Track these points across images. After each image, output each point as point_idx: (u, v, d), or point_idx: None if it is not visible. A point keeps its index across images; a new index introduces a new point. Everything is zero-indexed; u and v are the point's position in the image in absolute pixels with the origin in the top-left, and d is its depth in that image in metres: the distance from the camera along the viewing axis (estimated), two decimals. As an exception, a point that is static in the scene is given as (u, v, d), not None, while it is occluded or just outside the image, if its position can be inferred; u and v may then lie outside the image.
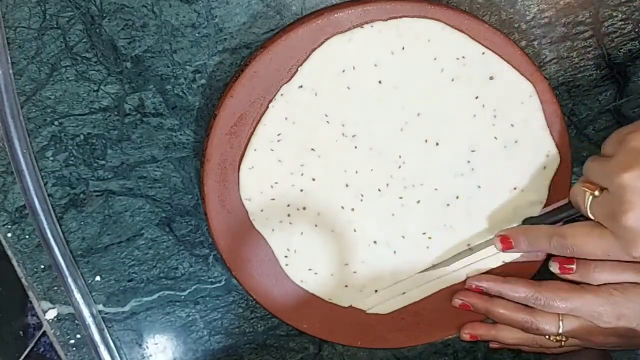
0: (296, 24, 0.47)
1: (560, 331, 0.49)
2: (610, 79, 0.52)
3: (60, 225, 0.52)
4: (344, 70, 0.47)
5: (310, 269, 0.52)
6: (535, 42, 0.50)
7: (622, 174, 0.40)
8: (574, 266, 0.48)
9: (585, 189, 0.43)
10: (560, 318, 0.49)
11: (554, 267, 0.48)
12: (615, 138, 0.43)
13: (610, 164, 0.41)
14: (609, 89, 0.52)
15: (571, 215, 0.47)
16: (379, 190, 0.50)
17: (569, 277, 0.48)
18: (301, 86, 0.47)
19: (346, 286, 0.53)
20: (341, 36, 0.46)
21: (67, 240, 0.52)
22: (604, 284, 0.47)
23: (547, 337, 0.50)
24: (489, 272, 0.52)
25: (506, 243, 0.49)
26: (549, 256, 0.52)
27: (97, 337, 0.53)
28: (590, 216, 0.43)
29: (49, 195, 0.51)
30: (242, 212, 0.50)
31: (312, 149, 0.49)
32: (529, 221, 0.50)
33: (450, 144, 0.49)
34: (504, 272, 0.52)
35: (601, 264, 0.47)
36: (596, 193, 0.43)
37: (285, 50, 0.46)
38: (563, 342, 0.50)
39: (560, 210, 0.48)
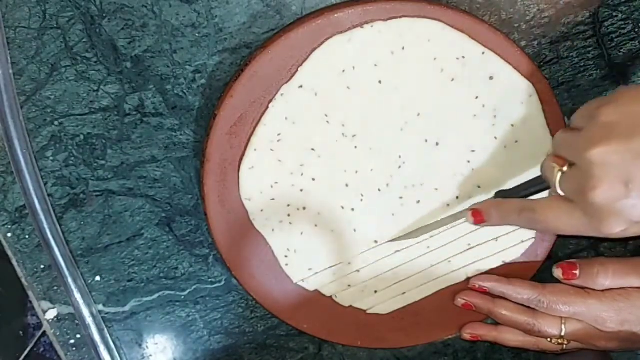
0: (296, 24, 0.47)
1: (563, 334, 0.49)
2: (610, 79, 0.52)
3: (60, 225, 0.52)
4: (344, 70, 0.47)
5: (310, 269, 0.52)
6: (535, 42, 0.50)
7: (591, 149, 0.38)
8: (577, 271, 0.48)
9: (554, 164, 0.42)
10: (563, 321, 0.49)
11: (558, 273, 0.48)
12: (585, 111, 0.41)
13: (579, 139, 0.40)
14: (609, 89, 0.52)
15: (543, 189, 0.46)
16: (379, 190, 0.50)
17: (573, 282, 0.48)
18: (301, 86, 0.47)
19: (347, 286, 0.53)
20: (341, 36, 0.46)
21: (67, 240, 0.52)
22: (608, 289, 0.47)
23: (548, 339, 0.50)
24: (490, 272, 0.53)
25: (478, 217, 0.47)
26: (549, 257, 0.53)
27: (97, 337, 0.53)
28: (560, 192, 0.42)
29: (49, 195, 0.51)
30: (242, 212, 0.50)
31: (312, 149, 0.49)
32: (500, 194, 0.49)
33: (450, 144, 0.49)
34: (504, 272, 0.52)
35: (604, 270, 0.47)
36: (565, 168, 0.41)
37: (285, 50, 0.46)
38: (565, 345, 0.50)
39: (532, 183, 0.47)
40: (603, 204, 0.38)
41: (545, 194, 0.46)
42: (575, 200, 0.40)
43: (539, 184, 0.46)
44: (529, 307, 0.50)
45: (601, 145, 0.38)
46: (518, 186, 0.48)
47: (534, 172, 0.50)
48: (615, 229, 0.39)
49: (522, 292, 0.50)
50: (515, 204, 0.45)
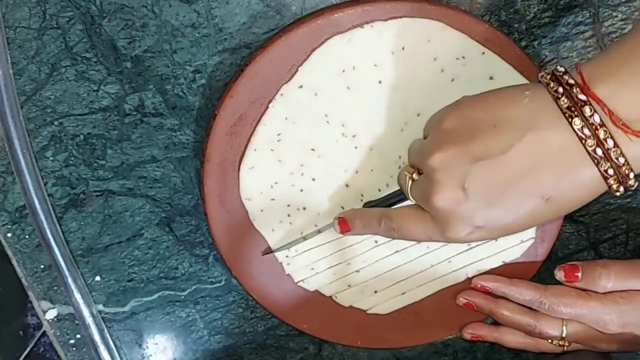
0: (296, 24, 0.47)
1: (564, 335, 0.49)
2: (610, 79, 0.52)
3: (60, 225, 0.52)
4: (344, 70, 0.47)
5: (311, 269, 0.52)
6: (535, 42, 0.50)
7: (431, 155, 0.39)
8: (579, 274, 0.48)
9: (407, 173, 0.43)
10: (564, 323, 0.49)
11: (560, 275, 0.48)
12: (431, 119, 0.42)
13: (424, 146, 0.41)
14: (609, 89, 0.52)
15: (405, 199, 0.46)
16: (379, 190, 0.50)
17: (575, 284, 0.48)
18: (301, 86, 0.47)
19: (347, 286, 0.53)
20: (341, 36, 0.46)
21: (67, 240, 0.52)
22: (610, 292, 0.47)
23: (549, 341, 0.50)
24: (489, 272, 0.53)
25: (343, 225, 0.48)
26: (549, 257, 0.53)
27: (97, 337, 0.53)
28: (412, 200, 0.43)
29: (49, 195, 0.51)
30: (242, 212, 0.50)
31: (312, 149, 0.49)
32: (368, 205, 0.50)
33: (450, 144, 0.49)
34: (504, 272, 0.52)
35: (606, 272, 0.47)
36: (414, 176, 0.42)
37: (285, 50, 0.46)
38: (566, 347, 0.50)
39: (396, 194, 0.47)
40: (445, 208, 0.39)
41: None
42: (423, 206, 0.41)
43: (402, 193, 0.46)
44: (530, 308, 0.50)
45: (440, 150, 0.39)
46: (385, 196, 0.49)
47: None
48: (459, 233, 0.40)
49: (524, 292, 0.50)
50: (376, 213, 0.46)
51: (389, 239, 0.51)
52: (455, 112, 0.40)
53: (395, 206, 0.47)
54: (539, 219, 0.39)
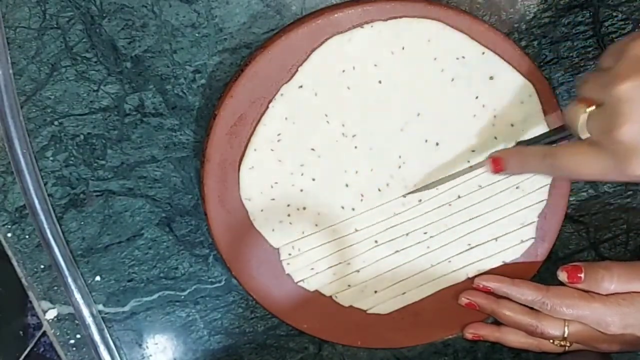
0: (296, 24, 0.47)
1: (565, 336, 0.49)
2: (611, 79, 0.51)
3: (60, 225, 0.52)
4: (344, 70, 0.47)
5: (310, 269, 0.52)
6: (535, 42, 0.50)
7: (618, 84, 0.36)
8: (582, 275, 0.48)
9: (579, 106, 0.39)
10: (566, 323, 0.48)
11: (562, 276, 0.48)
12: (613, 49, 0.39)
13: (607, 76, 0.37)
14: (609, 89, 0.52)
15: (565, 137, 0.44)
16: (379, 190, 0.50)
17: (578, 286, 0.48)
18: (301, 86, 0.47)
19: (347, 286, 0.53)
20: (341, 36, 0.46)
21: (67, 240, 0.52)
22: (612, 294, 0.47)
23: (551, 341, 0.50)
24: (490, 272, 0.53)
25: (498, 164, 0.45)
26: (549, 257, 0.53)
27: (97, 337, 0.53)
28: (584, 135, 0.40)
29: (49, 195, 0.51)
30: (242, 212, 0.50)
31: (312, 149, 0.49)
32: (522, 143, 0.48)
33: (450, 144, 0.49)
34: (504, 272, 0.52)
35: (609, 274, 0.47)
36: (591, 109, 0.39)
37: (285, 50, 0.46)
38: (567, 347, 0.50)
39: (555, 132, 0.45)
40: (630, 142, 0.36)
41: None
42: (601, 141, 0.38)
43: (560, 132, 0.44)
44: (532, 309, 0.50)
45: (630, 79, 0.36)
46: (539, 135, 0.46)
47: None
48: None
49: (526, 293, 0.50)
50: (538, 150, 0.43)
51: (389, 239, 0.51)
52: None
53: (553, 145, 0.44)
54: None
